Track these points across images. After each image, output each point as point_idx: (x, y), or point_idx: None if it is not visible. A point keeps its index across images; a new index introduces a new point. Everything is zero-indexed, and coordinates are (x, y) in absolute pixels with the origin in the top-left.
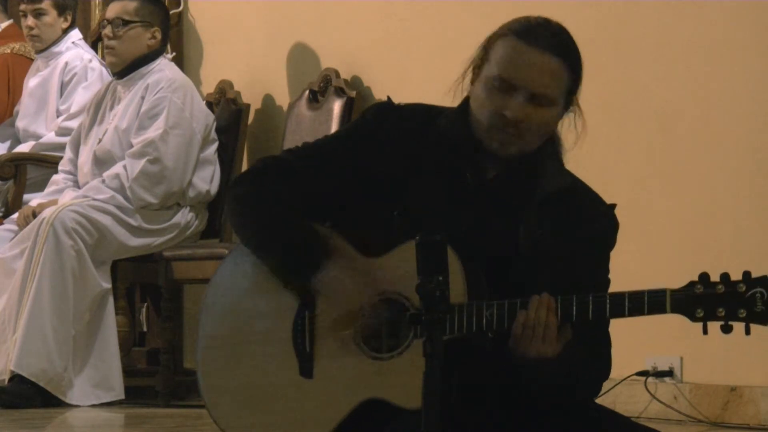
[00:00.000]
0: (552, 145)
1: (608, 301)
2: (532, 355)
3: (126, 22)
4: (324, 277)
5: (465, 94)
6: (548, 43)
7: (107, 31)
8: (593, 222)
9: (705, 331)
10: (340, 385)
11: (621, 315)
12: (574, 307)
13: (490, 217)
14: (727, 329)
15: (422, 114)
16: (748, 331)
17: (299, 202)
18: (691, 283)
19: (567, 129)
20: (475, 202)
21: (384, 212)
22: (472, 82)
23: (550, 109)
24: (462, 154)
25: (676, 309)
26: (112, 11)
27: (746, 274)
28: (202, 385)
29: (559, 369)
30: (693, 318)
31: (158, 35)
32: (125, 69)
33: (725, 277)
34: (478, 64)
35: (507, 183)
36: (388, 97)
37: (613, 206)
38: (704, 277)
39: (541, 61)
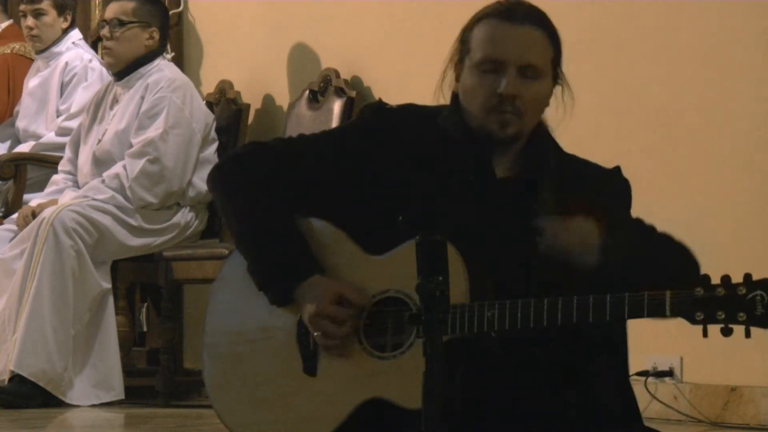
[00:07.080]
0: (541, 126)
1: (608, 303)
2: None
3: (123, 23)
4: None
5: (449, 93)
6: (525, 16)
7: (105, 31)
8: (609, 183)
9: (705, 334)
10: (342, 384)
11: (621, 317)
12: (575, 309)
13: (500, 215)
14: (727, 332)
15: (417, 114)
16: (748, 334)
17: (286, 194)
18: (691, 286)
19: (556, 105)
20: (481, 201)
21: (386, 212)
22: (457, 79)
23: (541, 82)
24: (465, 153)
25: (675, 312)
26: (110, 12)
27: (747, 277)
28: (208, 382)
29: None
30: (693, 321)
31: (156, 35)
32: (124, 70)
33: (726, 279)
34: (460, 58)
35: (516, 181)
36: (380, 99)
37: (618, 168)
38: (705, 279)
39: (522, 34)
